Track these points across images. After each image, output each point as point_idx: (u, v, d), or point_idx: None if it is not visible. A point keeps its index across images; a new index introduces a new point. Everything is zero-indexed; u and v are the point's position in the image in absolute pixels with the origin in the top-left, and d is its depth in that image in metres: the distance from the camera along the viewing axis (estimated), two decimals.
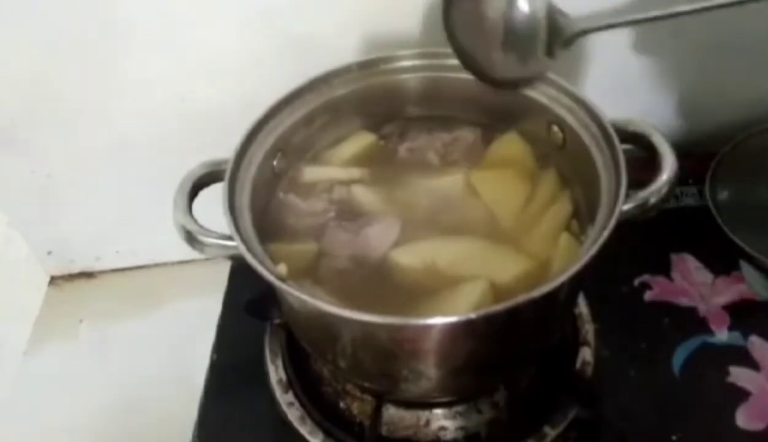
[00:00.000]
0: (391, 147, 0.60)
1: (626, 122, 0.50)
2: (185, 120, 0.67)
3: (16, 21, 0.60)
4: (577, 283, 0.52)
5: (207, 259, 0.70)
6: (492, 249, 0.52)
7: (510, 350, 0.49)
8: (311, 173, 0.58)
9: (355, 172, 0.58)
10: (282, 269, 0.47)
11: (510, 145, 0.58)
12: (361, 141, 0.60)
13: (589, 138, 0.51)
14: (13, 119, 0.66)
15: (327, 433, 0.54)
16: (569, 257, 0.48)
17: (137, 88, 0.65)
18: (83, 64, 0.63)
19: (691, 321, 0.62)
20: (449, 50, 0.55)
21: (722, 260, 0.65)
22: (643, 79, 0.71)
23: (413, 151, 0.59)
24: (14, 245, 0.75)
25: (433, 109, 0.60)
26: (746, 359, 0.59)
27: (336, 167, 0.59)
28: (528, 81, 0.53)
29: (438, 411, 0.56)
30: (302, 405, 0.57)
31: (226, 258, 0.71)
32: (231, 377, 0.62)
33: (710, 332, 0.61)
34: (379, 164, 0.59)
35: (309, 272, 0.51)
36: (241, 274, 0.70)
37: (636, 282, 0.65)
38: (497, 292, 0.48)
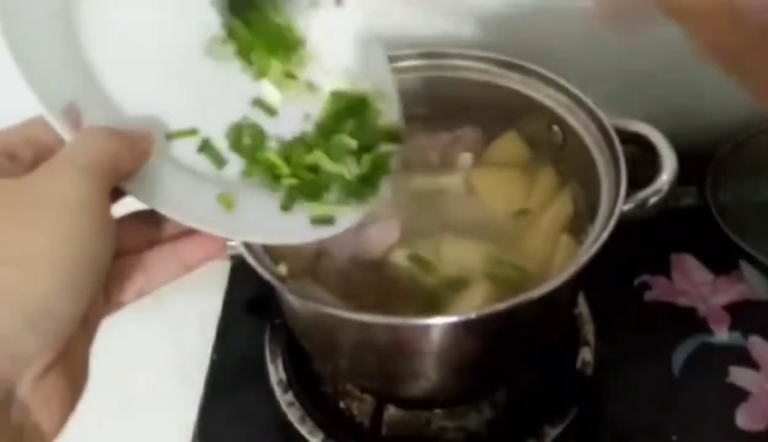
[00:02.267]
0: None
1: (626, 122, 0.50)
2: None
3: None
4: (577, 283, 0.52)
5: None
6: (493, 249, 0.52)
7: (510, 350, 0.49)
8: None
9: None
10: (282, 269, 0.47)
11: (509, 144, 0.58)
12: None
13: (589, 138, 0.51)
14: None
15: (327, 433, 0.54)
16: (569, 258, 0.48)
17: None
18: None
19: (691, 321, 0.62)
20: (449, 50, 0.55)
21: (722, 260, 0.65)
22: (643, 79, 0.71)
23: (414, 151, 0.59)
24: None
25: (433, 109, 0.60)
26: (746, 359, 0.59)
27: None
28: None
29: (438, 411, 0.56)
30: (302, 405, 0.57)
31: (226, 258, 0.71)
32: (231, 377, 0.62)
33: (710, 332, 0.61)
34: None
35: (309, 272, 0.51)
36: (241, 274, 0.70)
37: (636, 282, 0.65)
38: (498, 292, 0.48)
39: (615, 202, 0.45)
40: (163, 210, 0.34)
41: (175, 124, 0.39)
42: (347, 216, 0.45)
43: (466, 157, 0.58)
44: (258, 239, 0.42)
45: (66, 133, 0.32)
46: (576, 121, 0.52)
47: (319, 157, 0.45)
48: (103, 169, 0.30)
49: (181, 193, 0.37)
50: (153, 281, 0.36)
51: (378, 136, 0.48)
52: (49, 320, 0.27)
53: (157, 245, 0.36)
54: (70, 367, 0.30)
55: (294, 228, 0.42)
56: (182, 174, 0.38)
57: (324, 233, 0.43)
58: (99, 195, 0.29)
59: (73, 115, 0.32)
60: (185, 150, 0.40)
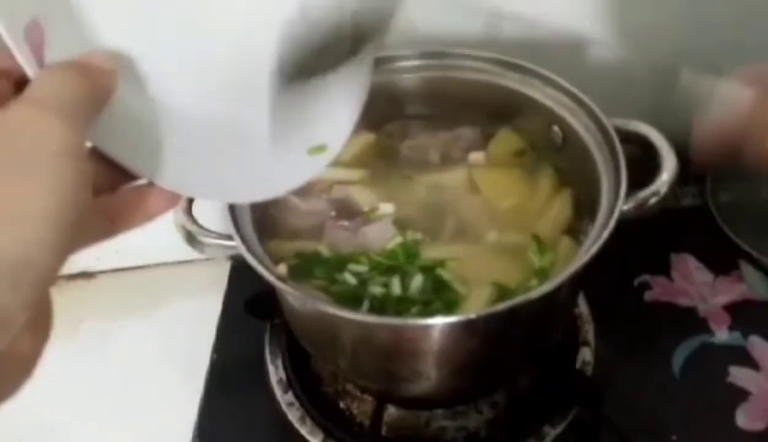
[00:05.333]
0: (392, 146, 0.60)
1: (626, 122, 0.50)
2: None
3: None
4: (577, 283, 0.52)
5: (207, 259, 0.71)
6: (495, 249, 0.52)
7: (510, 350, 0.49)
8: None
9: (355, 173, 0.58)
10: (282, 268, 0.47)
11: (509, 143, 0.58)
12: (362, 140, 0.60)
13: (589, 138, 0.51)
14: None
15: (327, 433, 0.54)
16: (569, 258, 0.48)
17: None
18: None
19: (691, 321, 0.62)
20: (449, 50, 0.55)
21: (722, 260, 0.65)
22: (643, 79, 0.71)
23: (414, 150, 0.60)
24: None
25: (433, 109, 0.60)
26: (746, 359, 0.59)
27: (337, 167, 0.58)
28: None
29: (438, 411, 0.56)
30: (302, 405, 0.56)
31: (226, 258, 0.71)
32: (231, 377, 0.62)
33: (710, 332, 0.61)
34: (381, 163, 0.59)
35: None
36: (241, 274, 0.70)
37: (636, 282, 0.65)
38: (501, 292, 0.48)
39: (615, 203, 0.45)
40: (115, 154, 0.32)
41: (148, 58, 0.36)
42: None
43: (477, 156, 0.58)
44: (215, 197, 0.41)
45: (25, 57, 0.29)
46: (576, 121, 0.52)
47: None
48: (80, 112, 0.28)
49: (137, 138, 0.34)
50: (115, 227, 0.34)
51: None
52: (33, 274, 0.26)
53: (120, 190, 0.34)
54: (39, 315, 0.29)
55: (255, 185, 0.40)
56: (137, 118, 0.35)
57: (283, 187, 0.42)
58: (79, 141, 0.28)
59: (35, 34, 0.29)
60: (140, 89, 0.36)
